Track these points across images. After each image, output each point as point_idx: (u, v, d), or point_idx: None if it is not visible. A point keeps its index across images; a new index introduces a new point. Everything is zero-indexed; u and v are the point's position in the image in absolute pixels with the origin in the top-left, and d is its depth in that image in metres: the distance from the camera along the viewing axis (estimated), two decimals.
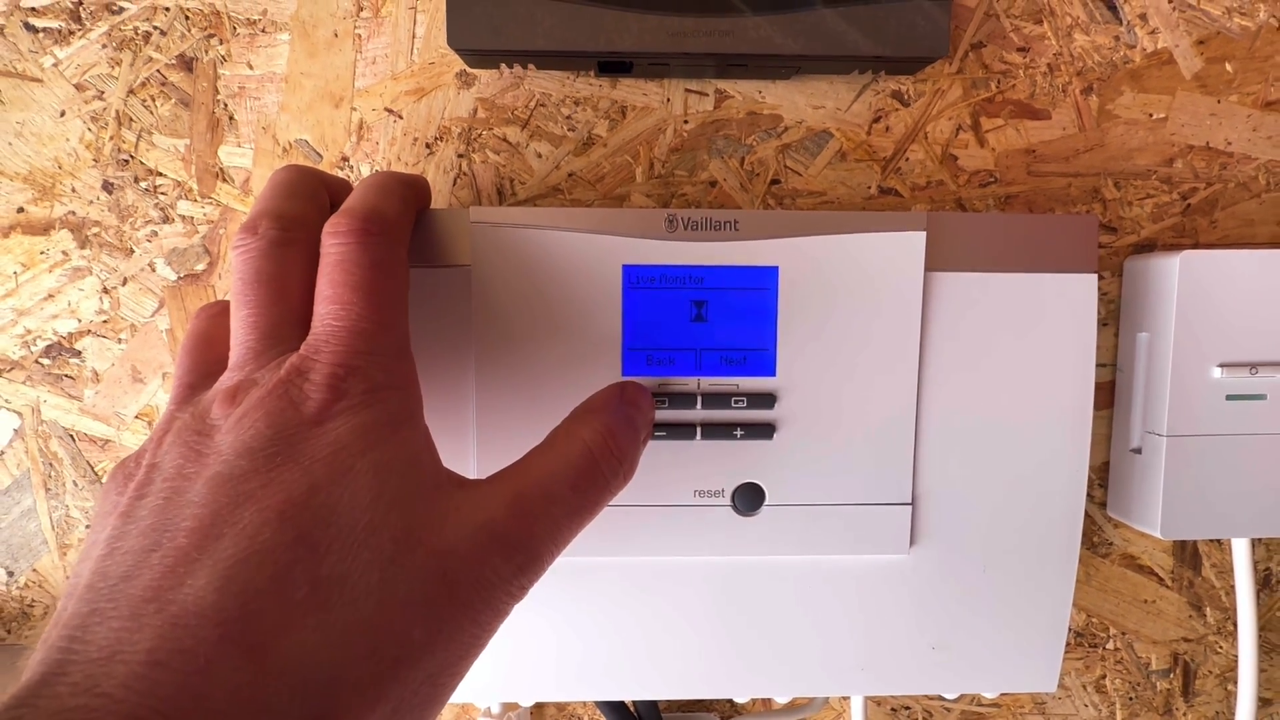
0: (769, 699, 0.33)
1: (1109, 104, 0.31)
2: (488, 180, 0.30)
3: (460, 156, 0.30)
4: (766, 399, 0.24)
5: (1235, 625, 0.33)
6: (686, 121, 0.30)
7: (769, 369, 0.24)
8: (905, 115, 0.31)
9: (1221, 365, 0.29)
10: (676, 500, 0.25)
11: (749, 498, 0.25)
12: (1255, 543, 0.33)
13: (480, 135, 0.30)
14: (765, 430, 0.25)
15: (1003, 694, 0.33)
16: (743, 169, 0.31)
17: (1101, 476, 0.33)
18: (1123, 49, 0.31)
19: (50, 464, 0.31)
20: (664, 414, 0.24)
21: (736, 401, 0.24)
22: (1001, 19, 0.30)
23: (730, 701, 0.33)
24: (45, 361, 0.30)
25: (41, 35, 0.29)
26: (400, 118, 0.30)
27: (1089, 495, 0.33)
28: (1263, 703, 0.34)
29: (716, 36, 0.26)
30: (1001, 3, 0.30)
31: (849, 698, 0.32)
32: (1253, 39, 0.31)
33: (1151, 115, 0.31)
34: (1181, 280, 0.29)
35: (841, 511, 0.25)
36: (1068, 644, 0.34)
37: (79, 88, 0.29)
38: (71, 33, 0.29)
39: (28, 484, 0.31)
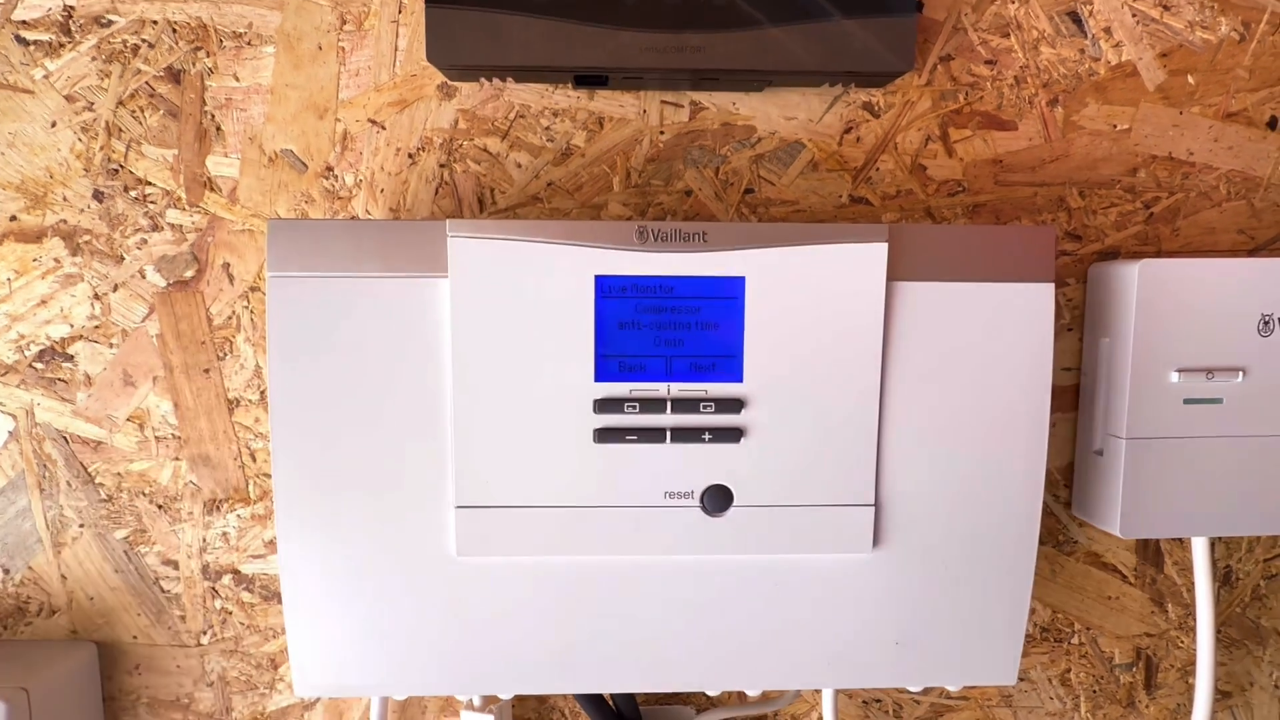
0: (742, 693, 0.34)
1: (1074, 115, 0.32)
2: (469, 189, 0.31)
3: (442, 166, 0.31)
4: (734, 404, 0.25)
5: (1195, 621, 0.34)
6: (662, 132, 0.31)
7: (737, 375, 0.25)
8: (875, 126, 0.31)
9: (1179, 370, 0.30)
10: (648, 501, 0.26)
11: (718, 499, 0.26)
12: (1215, 541, 0.34)
13: (461, 145, 0.31)
14: (733, 434, 0.25)
15: (966, 687, 0.34)
16: (717, 178, 0.31)
17: (1067, 477, 0.34)
18: (1088, 62, 0.31)
19: (45, 465, 0.32)
20: (635, 419, 0.25)
21: (705, 407, 0.25)
22: (970, 32, 0.31)
23: (705, 694, 0.34)
24: (39, 366, 0.31)
25: (32, 48, 0.30)
26: (383, 128, 0.31)
27: (1055, 495, 0.34)
28: (1221, 695, 0.36)
29: (689, 52, 0.27)
30: (970, 16, 0.31)
31: (820, 690, 0.33)
32: (1214, 52, 0.32)
33: (1115, 126, 0.32)
34: (1141, 287, 0.30)
35: (807, 512, 0.26)
36: (1034, 638, 0.35)
37: (69, 99, 0.30)
38: (62, 45, 0.30)
39: (23, 484, 0.32)
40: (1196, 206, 0.33)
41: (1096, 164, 0.32)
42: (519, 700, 0.34)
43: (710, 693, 0.28)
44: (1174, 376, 0.30)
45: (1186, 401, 0.30)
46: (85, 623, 0.33)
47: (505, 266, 0.25)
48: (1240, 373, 0.30)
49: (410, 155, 0.31)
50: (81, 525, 0.32)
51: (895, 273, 0.25)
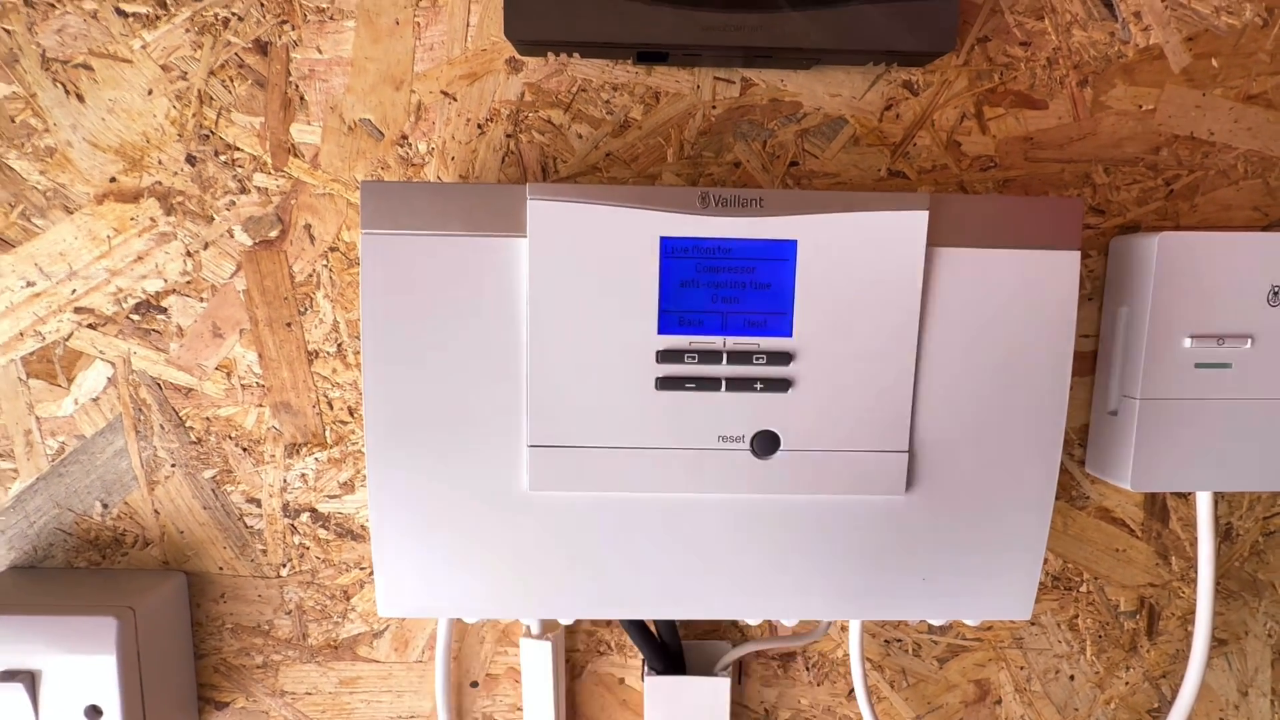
0: (776, 625, 0.37)
1: (1102, 95, 0.34)
2: (533, 158, 0.33)
3: (509, 136, 0.33)
4: (784, 357, 0.28)
5: (1196, 573, 0.37)
6: (714, 107, 0.33)
7: (787, 330, 0.28)
8: (914, 104, 0.33)
9: (1192, 336, 0.32)
10: (703, 444, 0.28)
11: (766, 443, 0.28)
12: (1218, 499, 0.37)
13: (527, 117, 0.33)
14: (782, 384, 0.28)
15: (983, 622, 0.37)
16: (764, 151, 0.34)
17: (1081, 437, 0.36)
18: (1117, 44, 0.33)
19: (140, 409, 0.35)
20: (694, 369, 0.28)
21: (757, 359, 0.28)
22: (1006, 15, 0.33)
23: (741, 631, 0.37)
24: (135, 317, 0.34)
25: (131, 19, 0.32)
26: (455, 100, 0.33)
27: (1069, 454, 0.36)
28: (1218, 642, 0.38)
29: (746, 30, 0.29)
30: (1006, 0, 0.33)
31: (847, 628, 0.36)
32: (1238, 36, 0.33)
33: (1141, 107, 0.34)
34: (1160, 259, 0.32)
35: (847, 457, 0.29)
36: (1045, 586, 0.37)
37: (165, 68, 0.32)
38: (158, 17, 0.32)
39: (120, 427, 0.35)
40: (1215, 184, 0.35)
41: (1121, 142, 0.34)
42: (569, 632, 0.37)
43: (751, 621, 0.31)
44: (1187, 342, 0.32)
45: (1198, 366, 0.32)
46: (175, 554, 0.36)
47: (579, 227, 0.27)
48: (1249, 340, 0.32)
49: (479, 125, 0.33)
50: (173, 465, 0.35)
51: (935, 239, 0.28)
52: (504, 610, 0.30)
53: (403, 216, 0.27)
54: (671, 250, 0.27)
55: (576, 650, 0.37)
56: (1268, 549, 0.38)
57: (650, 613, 0.30)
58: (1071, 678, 0.38)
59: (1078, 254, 0.28)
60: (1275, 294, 0.32)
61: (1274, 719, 0.39)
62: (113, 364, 0.34)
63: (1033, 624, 0.38)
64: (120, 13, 0.32)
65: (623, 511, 0.29)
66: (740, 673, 0.38)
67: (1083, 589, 0.37)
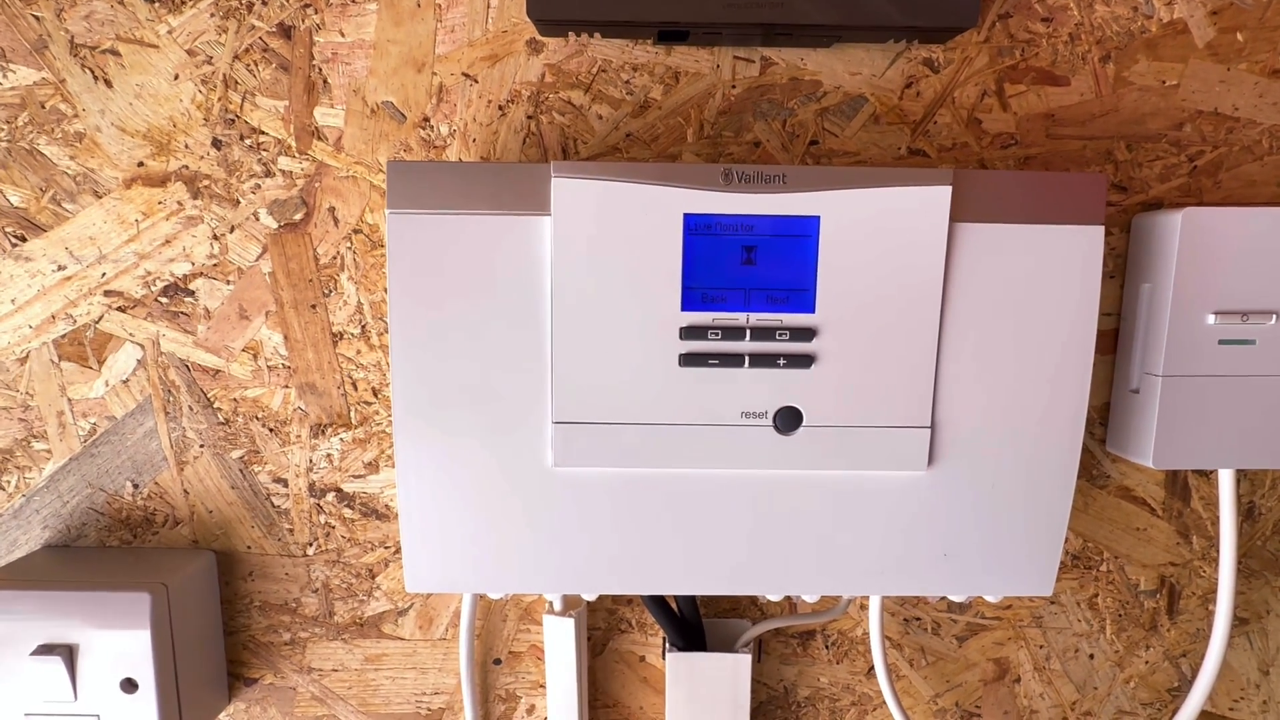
0: (796, 603, 0.38)
1: (1125, 71, 0.33)
2: (554, 139, 0.33)
3: (529, 118, 0.33)
4: (807, 333, 0.28)
5: (1218, 552, 0.37)
6: (734, 86, 0.33)
7: (810, 307, 0.28)
8: (935, 81, 0.33)
9: (1216, 313, 0.32)
10: (726, 420, 0.29)
11: (789, 419, 0.29)
12: (1240, 477, 0.37)
13: (547, 98, 0.33)
14: (805, 360, 0.28)
15: (1003, 600, 0.37)
16: (784, 131, 0.34)
17: (1102, 416, 0.36)
18: (1140, 19, 0.33)
19: (169, 391, 0.35)
20: (717, 345, 0.28)
21: (780, 335, 0.28)
22: None
23: (761, 609, 0.38)
24: (163, 300, 0.35)
25: (157, 4, 0.32)
26: (476, 81, 0.33)
27: (1090, 433, 0.36)
28: (1239, 621, 0.38)
29: (767, 7, 0.29)
30: None
31: (867, 606, 0.36)
32: (1264, 9, 0.33)
33: (1164, 82, 0.34)
34: (1183, 235, 0.32)
35: (870, 433, 0.29)
36: (1065, 565, 0.37)
37: (190, 53, 0.33)
38: (183, 2, 0.32)
39: (149, 408, 0.35)
40: (1239, 160, 0.34)
41: (1144, 119, 0.34)
42: (590, 610, 0.38)
43: (772, 598, 0.31)
44: (1210, 319, 0.32)
45: (1221, 342, 0.32)
46: (205, 533, 0.37)
47: (602, 205, 0.27)
48: (1274, 315, 0.32)
49: (500, 107, 0.33)
50: (202, 445, 0.36)
51: (958, 214, 0.28)
52: (529, 586, 0.30)
53: (428, 196, 0.27)
54: (695, 227, 0.27)
55: (598, 628, 0.38)
56: None
57: (674, 589, 0.30)
58: (1091, 656, 0.38)
59: (1101, 229, 0.28)
60: None
61: None
62: (142, 346, 0.35)
63: (1052, 602, 0.38)
64: None
65: (646, 487, 0.29)
66: (760, 651, 0.38)
67: (1103, 568, 0.37)
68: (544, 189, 0.27)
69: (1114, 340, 0.35)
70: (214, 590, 0.37)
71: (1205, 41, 0.33)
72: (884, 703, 0.38)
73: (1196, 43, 0.33)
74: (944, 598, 0.37)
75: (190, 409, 0.35)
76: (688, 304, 0.28)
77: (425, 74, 0.33)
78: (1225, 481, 0.34)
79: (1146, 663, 0.38)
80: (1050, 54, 0.33)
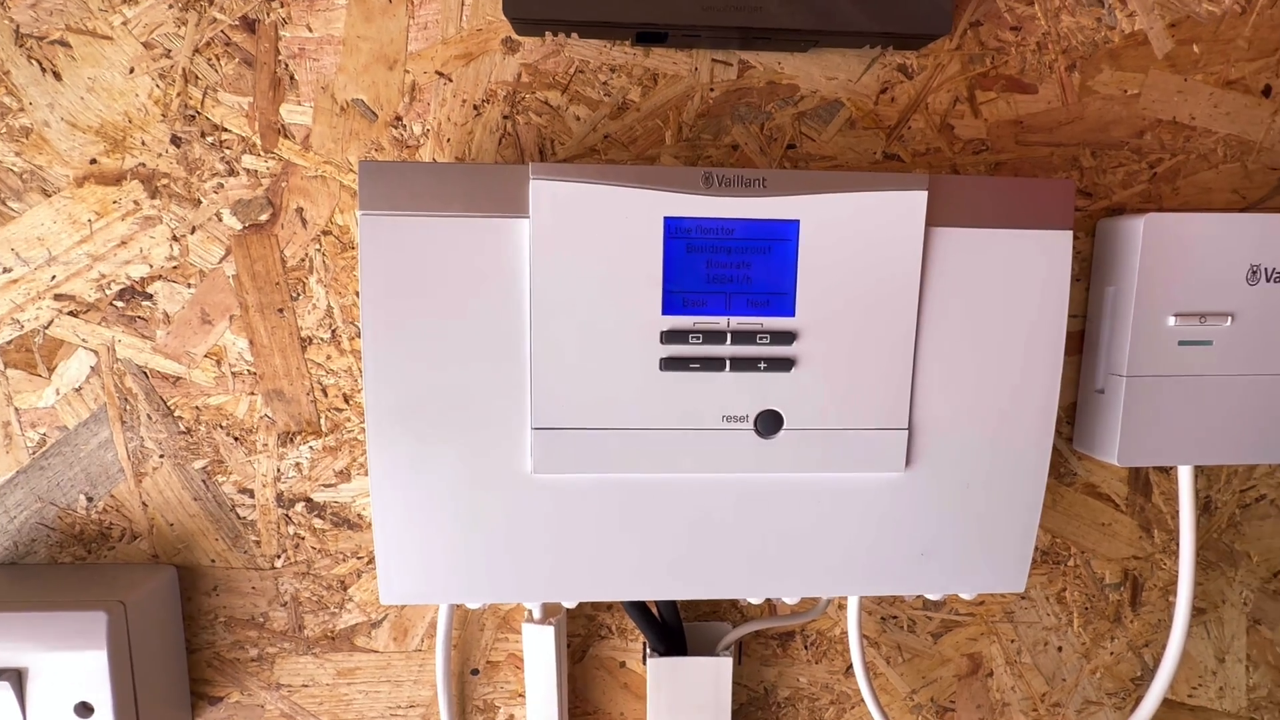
0: (776, 604, 0.38)
1: (1089, 80, 0.34)
2: (530, 140, 0.33)
3: (505, 118, 0.33)
4: (787, 336, 0.28)
5: (1178, 545, 0.38)
6: (712, 89, 0.33)
7: (790, 310, 0.28)
8: (909, 87, 0.34)
9: (1176, 315, 0.33)
10: (707, 424, 0.28)
11: (770, 422, 0.29)
12: (1198, 473, 0.38)
13: (524, 98, 0.33)
14: (785, 364, 0.28)
15: (977, 597, 0.38)
16: (762, 134, 0.34)
17: (1069, 415, 0.37)
18: (1104, 30, 0.34)
19: (126, 399, 0.34)
20: (698, 349, 0.28)
21: (761, 338, 0.28)
22: (998, 0, 0.33)
23: (740, 611, 0.38)
24: (119, 304, 0.33)
25: None
26: (450, 80, 0.32)
27: (1057, 432, 0.37)
28: (1197, 611, 0.40)
29: (745, 11, 0.29)
30: None
31: (845, 606, 0.37)
32: (1218, 23, 0.34)
33: (1126, 91, 0.35)
34: (1145, 240, 0.33)
35: (849, 435, 0.29)
36: (1034, 561, 0.38)
37: (147, 46, 0.31)
38: None
39: (104, 417, 0.34)
40: (1196, 168, 0.36)
41: (1108, 126, 0.35)
42: (572, 617, 0.37)
43: (753, 600, 0.31)
44: (1171, 320, 0.33)
45: (1181, 343, 0.33)
46: (165, 547, 0.35)
47: (582, 208, 0.27)
48: (1229, 317, 0.33)
49: (475, 107, 0.33)
50: (161, 456, 0.34)
51: (933, 219, 0.28)
52: (508, 595, 0.30)
53: (402, 197, 0.27)
54: (675, 230, 0.27)
55: (577, 635, 0.37)
56: (1244, 520, 0.39)
57: (655, 594, 0.30)
58: (1059, 649, 0.39)
59: (1070, 234, 0.29)
60: (1254, 273, 0.33)
61: (1248, 683, 0.41)
62: (95, 352, 0.33)
63: (1023, 598, 0.39)
64: None
65: (627, 493, 0.29)
66: (740, 653, 0.38)
67: (1070, 563, 0.39)
68: (522, 191, 0.27)
69: (1080, 341, 0.36)
70: (175, 606, 0.35)
71: (1164, 53, 0.34)
72: (862, 701, 0.39)
73: (1156, 54, 0.34)
74: (922, 596, 0.38)
75: (149, 418, 0.34)
76: (669, 308, 0.28)
77: (397, 71, 0.32)
78: (1184, 478, 0.35)
79: (1111, 653, 0.40)
80: (1019, 62, 0.34)
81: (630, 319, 0.28)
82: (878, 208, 0.28)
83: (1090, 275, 0.36)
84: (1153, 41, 0.34)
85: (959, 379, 0.29)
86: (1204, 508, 0.39)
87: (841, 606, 0.38)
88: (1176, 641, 0.36)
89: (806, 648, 0.38)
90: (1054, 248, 0.29)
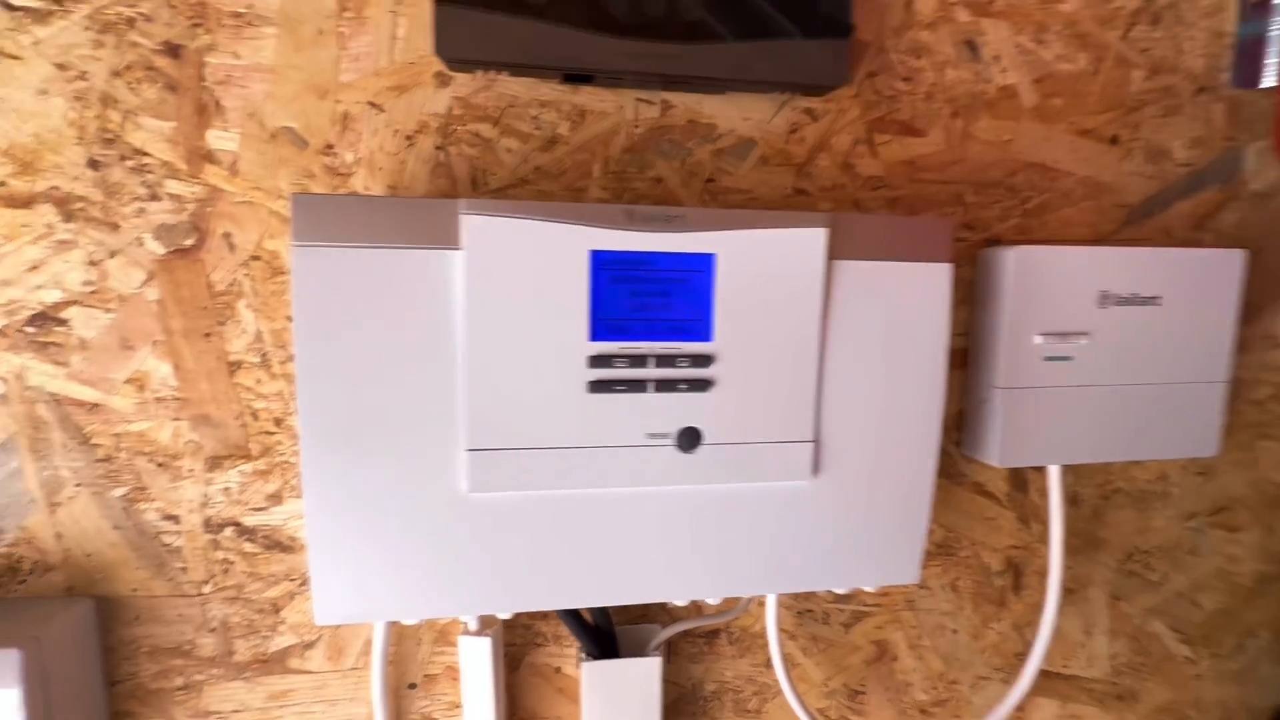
0: (702, 605, 0.40)
1: (971, 126, 0.39)
2: (463, 171, 0.34)
3: (438, 148, 0.34)
4: (705, 360, 0.31)
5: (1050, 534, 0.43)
6: (637, 126, 0.35)
7: (707, 335, 0.31)
8: (815, 129, 0.37)
9: (1041, 334, 0.38)
10: (632, 442, 0.31)
11: (690, 439, 0.31)
12: (1066, 471, 0.44)
13: (456, 130, 0.34)
14: (704, 385, 0.31)
15: (881, 589, 0.42)
16: (684, 169, 0.36)
17: (959, 423, 0.42)
18: (981, 83, 0.39)
19: (37, 427, 0.33)
20: (623, 372, 0.30)
21: (681, 362, 0.30)
22: (891, 54, 0.37)
23: (669, 613, 0.40)
24: (30, 330, 0.32)
25: (21, 14, 0.30)
26: (382, 110, 0.33)
27: (949, 437, 0.42)
28: (1068, 591, 0.45)
29: (666, 59, 0.32)
30: (891, 40, 0.37)
31: (765, 603, 0.40)
32: (1074, 80, 0.40)
33: (1001, 137, 0.39)
34: (1014, 268, 0.37)
35: (762, 448, 0.32)
36: (932, 554, 0.43)
37: (61, 67, 0.31)
38: (51, 13, 0.30)
39: (14, 447, 0.33)
40: (1059, 205, 0.41)
41: (986, 168, 0.39)
42: (508, 627, 0.39)
43: (679, 603, 0.34)
44: (1037, 339, 0.38)
45: (1046, 359, 0.38)
46: (82, 579, 0.34)
47: (512, 241, 0.28)
48: (1085, 336, 0.38)
49: (408, 137, 0.34)
50: (78, 485, 0.33)
51: (834, 253, 0.31)
52: (445, 609, 0.31)
53: (335, 229, 0.28)
54: (601, 262, 0.29)
55: (514, 644, 0.39)
56: (1105, 510, 0.45)
57: (586, 601, 0.32)
58: (955, 632, 0.44)
59: (949, 266, 0.33)
60: (1104, 298, 0.39)
61: (1110, 652, 0.47)
62: (4, 380, 0.32)
63: (922, 587, 0.43)
64: (8, 5, 0.30)
65: (558, 507, 0.31)
66: (669, 652, 0.40)
67: (962, 554, 0.43)
68: (453, 224, 0.28)
69: (965, 357, 0.41)
70: (94, 639, 0.34)
71: (1032, 104, 0.39)
72: (781, 690, 0.42)
73: (1025, 105, 0.39)
74: (831, 590, 0.41)
75: (64, 446, 0.33)
76: (595, 334, 0.30)
77: (329, 101, 0.33)
78: (1054, 476, 0.40)
79: (998, 634, 0.45)
80: (910, 109, 0.38)
81: (559, 345, 0.29)
82: (785, 242, 0.31)
83: (974, 299, 0.40)
84: (1022, 94, 0.39)
85: (858, 395, 0.33)
86: (1072, 500, 0.44)
87: (762, 604, 0.41)
88: (1049, 620, 0.41)
89: (731, 644, 0.41)
90: (935, 278, 0.33)
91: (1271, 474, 0.47)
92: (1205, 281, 0.40)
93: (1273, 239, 0.44)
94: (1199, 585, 0.47)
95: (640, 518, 0.32)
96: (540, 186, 0.35)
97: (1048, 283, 0.38)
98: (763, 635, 0.41)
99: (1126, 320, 0.39)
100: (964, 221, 0.40)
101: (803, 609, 0.42)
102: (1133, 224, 0.42)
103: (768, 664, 0.42)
